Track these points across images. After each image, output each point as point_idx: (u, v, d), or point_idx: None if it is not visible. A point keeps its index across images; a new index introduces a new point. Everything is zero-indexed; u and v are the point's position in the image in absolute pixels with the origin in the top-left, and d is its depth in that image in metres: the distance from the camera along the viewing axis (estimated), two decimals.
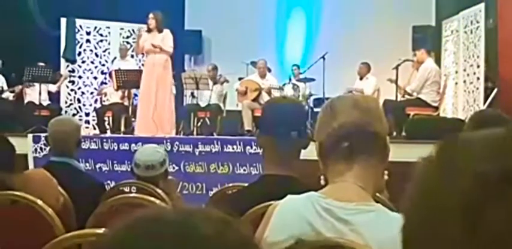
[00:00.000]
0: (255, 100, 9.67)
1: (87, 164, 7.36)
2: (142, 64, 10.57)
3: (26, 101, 9.96)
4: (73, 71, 10.78)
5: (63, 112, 10.09)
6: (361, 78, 10.02)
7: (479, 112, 4.42)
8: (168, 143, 7.43)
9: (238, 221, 0.83)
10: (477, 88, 8.67)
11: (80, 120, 10.20)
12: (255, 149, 7.03)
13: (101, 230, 1.85)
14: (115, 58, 10.59)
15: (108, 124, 9.73)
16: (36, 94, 9.73)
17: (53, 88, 10.12)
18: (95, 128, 10.28)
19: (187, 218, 0.79)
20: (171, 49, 8.63)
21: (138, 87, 9.43)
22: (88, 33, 10.90)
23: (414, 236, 0.72)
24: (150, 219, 0.79)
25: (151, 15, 8.66)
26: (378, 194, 2.04)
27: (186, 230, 0.77)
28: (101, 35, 10.97)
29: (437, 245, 0.69)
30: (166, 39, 8.62)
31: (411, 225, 0.73)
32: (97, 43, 10.96)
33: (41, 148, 7.53)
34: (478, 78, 8.65)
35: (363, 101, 1.71)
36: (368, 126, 1.66)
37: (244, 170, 7.15)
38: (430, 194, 0.71)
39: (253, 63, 10.38)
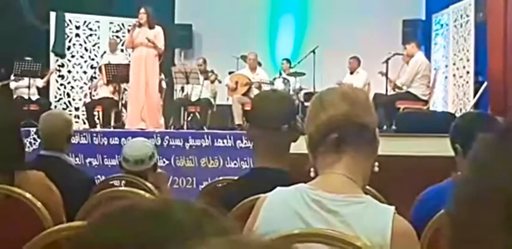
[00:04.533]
0: (245, 94, 9.65)
1: (77, 159, 7.34)
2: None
3: (15, 95, 9.92)
4: (62, 66, 10.72)
5: (52, 106, 10.04)
6: (351, 72, 10.01)
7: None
8: (159, 138, 7.42)
9: (221, 213, 0.82)
10: (467, 82, 8.69)
11: (70, 114, 10.14)
12: (245, 144, 7.03)
13: None
14: (104, 52, 10.54)
15: (98, 118, 9.69)
16: (25, 88, 9.69)
17: (40, 83, 10.07)
18: (84, 123, 10.23)
19: (163, 207, 0.79)
20: (163, 47, 8.69)
21: (128, 81, 9.42)
22: (77, 28, 10.84)
23: (461, 214, 0.70)
24: (127, 207, 0.79)
25: (142, 10, 8.66)
26: (368, 187, 2.03)
27: (161, 217, 0.76)
28: (91, 29, 10.91)
29: (478, 227, 0.68)
30: (158, 37, 8.64)
31: (459, 201, 0.71)
32: (86, 37, 10.90)
33: (30, 143, 7.50)
34: (468, 72, 8.68)
35: (352, 93, 1.70)
36: (356, 118, 1.66)
37: (235, 164, 7.15)
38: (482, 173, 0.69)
39: (244, 57, 10.35)
